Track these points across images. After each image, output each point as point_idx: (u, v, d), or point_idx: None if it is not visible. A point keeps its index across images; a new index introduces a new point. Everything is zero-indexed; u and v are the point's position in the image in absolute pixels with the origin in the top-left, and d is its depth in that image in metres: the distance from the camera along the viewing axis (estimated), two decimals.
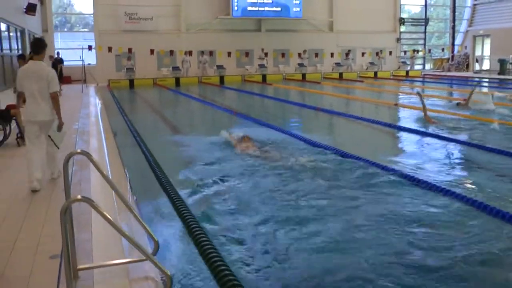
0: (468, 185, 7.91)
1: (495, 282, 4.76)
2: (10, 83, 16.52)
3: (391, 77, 35.91)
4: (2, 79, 17.22)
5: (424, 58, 43.54)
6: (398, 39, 41.56)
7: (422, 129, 12.63)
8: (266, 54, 35.30)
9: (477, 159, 9.64)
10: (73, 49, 30.41)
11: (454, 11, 42.81)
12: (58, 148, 7.53)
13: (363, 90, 25.61)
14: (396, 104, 17.35)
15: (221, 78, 32.84)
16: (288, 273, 4.83)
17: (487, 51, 39.23)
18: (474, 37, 40.57)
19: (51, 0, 32.86)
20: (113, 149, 10.23)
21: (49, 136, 7.36)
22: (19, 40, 22.09)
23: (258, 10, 35.63)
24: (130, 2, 32.97)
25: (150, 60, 32.71)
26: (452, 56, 41.71)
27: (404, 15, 42.20)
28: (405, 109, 16.93)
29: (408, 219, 6.15)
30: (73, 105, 17.50)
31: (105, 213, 3.46)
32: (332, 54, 37.20)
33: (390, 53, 39.50)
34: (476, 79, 30.84)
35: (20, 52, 20.39)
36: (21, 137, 10.51)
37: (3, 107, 11.27)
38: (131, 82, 30.92)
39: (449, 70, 39.48)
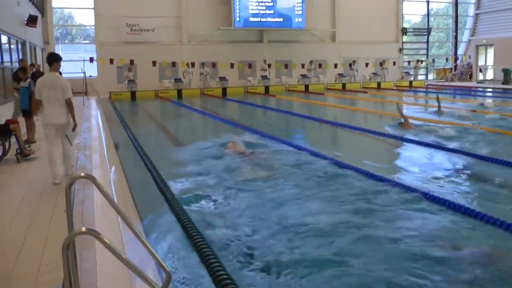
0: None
1: None
2: (10, 96, 16.18)
3: (395, 88, 35.53)
4: (2, 92, 16.92)
5: (427, 68, 43.24)
6: (401, 49, 41.28)
7: (426, 141, 12.35)
8: (269, 66, 34.96)
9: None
10: (74, 61, 30.10)
11: (456, 20, 42.63)
12: (72, 145, 9.00)
13: (368, 101, 25.19)
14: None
15: (224, 90, 32.49)
16: None
17: (490, 61, 38.92)
18: (477, 46, 40.31)
19: (52, 12, 32.67)
20: (116, 165, 9.89)
21: (67, 136, 8.64)
22: (20, 52, 21.83)
23: (260, 21, 35.34)
24: (132, 14, 32.67)
25: (152, 72, 32.34)
26: (455, 66, 41.40)
27: (404, 25, 41.91)
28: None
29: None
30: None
31: (113, 247, 3.09)
32: (336, 65, 36.76)
33: (394, 63, 39.12)
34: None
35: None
36: (20, 153, 10.17)
37: (3, 122, 10.90)
38: (133, 94, 30.57)
39: (452, 80, 39.12)
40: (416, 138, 12.66)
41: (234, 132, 14.40)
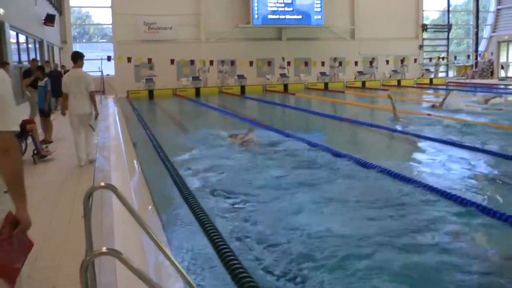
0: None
1: None
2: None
3: (415, 85, 34.84)
4: (20, 91, 16.66)
5: (447, 65, 42.47)
6: (421, 46, 40.58)
7: (444, 138, 12.11)
8: (288, 63, 34.50)
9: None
10: (92, 59, 29.88)
11: (477, 16, 41.79)
12: (94, 131, 10.36)
13: (388, 99, 24.46)
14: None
15: (242, 88, 32.11)
16: None
17: None
18: (499, 42, 39.51)
19: (69, 11, 32.52)
20: (135, 166, 9.51)
21: (90, 125, 9.82)
22: (38, 51, 21.62)
23: (279, 18, 34.92)
24: (149, 12, 32.44)
25: (170, 70, 32.01)
26: (476, 63, 40.61)
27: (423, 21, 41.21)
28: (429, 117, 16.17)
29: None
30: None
31: (135, 267, 2.68)
32: (356, 63, 36.12)
33: (415, 60, 38.43)
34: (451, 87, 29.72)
35: (39, 63, 19.85)
36: (37, 153, 9.84)
37: (19, 122, 10.57)
38: (151, 93, 30.26)
39: (473, 77, 38.33)
40: (442, 138, 12.18)
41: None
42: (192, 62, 32.35)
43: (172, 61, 31.63)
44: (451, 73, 42.84)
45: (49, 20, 22.99)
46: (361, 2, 37.68)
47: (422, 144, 11.98)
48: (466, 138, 12.06)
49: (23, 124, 10.16)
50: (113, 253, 2.67)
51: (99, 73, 27.86)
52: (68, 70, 26.14)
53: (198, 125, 16.05)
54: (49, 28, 23.21)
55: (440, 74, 40.56)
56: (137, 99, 28.26)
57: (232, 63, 33.47)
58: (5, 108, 2.83)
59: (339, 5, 37.03)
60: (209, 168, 9.53)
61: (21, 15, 17.68)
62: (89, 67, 28.80)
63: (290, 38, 36.17)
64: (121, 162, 9.69)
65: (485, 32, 42.24)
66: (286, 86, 33.15)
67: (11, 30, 15.98)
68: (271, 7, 34.67)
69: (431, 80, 37.17)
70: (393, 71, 37.65)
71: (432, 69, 39.36)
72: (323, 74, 35.14)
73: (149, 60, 30.95)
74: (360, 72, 36.38)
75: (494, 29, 40.83)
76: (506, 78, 36.62)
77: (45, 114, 12.41)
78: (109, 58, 30.64)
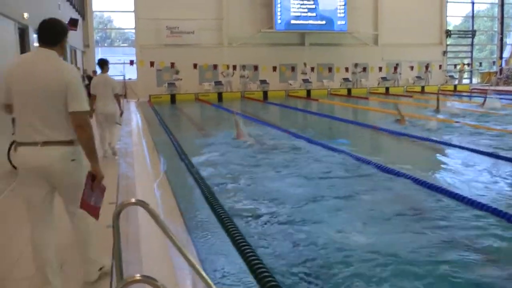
0: None
1: None
2: None
3: (439, 92, 34.11)
4: None
5: (471, 72, 41.74)
6: (445, 52, 39.93)
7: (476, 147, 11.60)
8: (312, 69, 34.07)
9: None
10: (114, 63, 29.75)
11: (502, 22, 41.07)
12: (120, 125, 12.53)
13: (411, 105, 23.91)
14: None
15: (265, 93, 31.69)
16: None
17: None
18: None
19: (92, 16, 32.51)
20: (159, 173, 9.17)
21: (117, 123, 11.58)
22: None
23: (302, 24, 34.58)
24: (172, 16, 32.30)
25: (192, 75, 31.76)
26: (501, 70, 39.83)
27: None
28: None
29: None
30: (117, 135, 16.38)
31: None
32: (380, 68, 35.57)
33: (440, 66, 37.81)
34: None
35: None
36: None
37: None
38: (173, 97, 30.02)
39: (497, 84, 37.55)
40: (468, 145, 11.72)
41: (280, 137, 13.72)
42: (214, 66, 32.08)
43: (195, 66, 31.39)
44: (474, 80, 42.13)
45: (72, 24, 22.86)
46: (384, 8, 37.22)
47: (451, 152, 11.53)
48: (499, 149, 11.50)
49: None
50: (149, 280, 2.32)
51: (121, 77, 27.76)
52: (95, 73, 26.28)
53: (220, 130, 15.68)
54: (72, 32, 23.06)
55: (464, 81, 39.80)
56: (159, 104, 27.99)
57: (255, 68, 33.14)
58: (79, 94, 3.95)
59: (362, 10, 36.60)
60: (234, 175, 9.20)
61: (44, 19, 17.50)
62: (112, 71, 28.59)
63: (313, 44, 35.81)
64: (144, 169, 9.40)
65: (510, 38, 41.50)
66: (309, 91, 32.64)
67: (35, 34, 15.82)
68: (294, 12, 34.35)
69: (455, 86, 36.36)
70: (416, 77, 37.07)
71: (455, 75, 38.71)
72: (346, 80, 34.62)
73: (172, 64, 30.73)
74: (383, 78, 35.82)
75: None
76: None
77: None
78: (131, 62, 30.57)
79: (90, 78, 22.67)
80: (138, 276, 2.34)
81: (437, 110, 18.57)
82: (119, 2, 33.94)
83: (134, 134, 14.88)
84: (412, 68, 36.61)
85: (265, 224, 6.48)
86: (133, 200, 3.22)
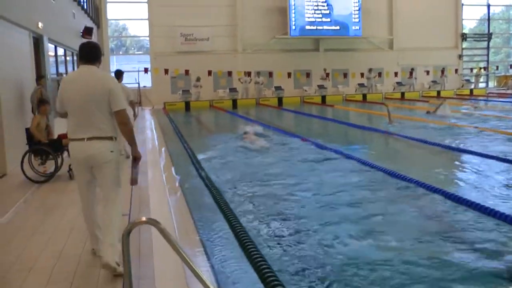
0: None
1: None
2: None
3: (455, 96, 33.68)
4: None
5: (487, 75, 41.25)
6: (460, 56, 39.51)
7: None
8: (327, 75, 33.82)
9: None
10: (128, 71, 29.77)
11: None
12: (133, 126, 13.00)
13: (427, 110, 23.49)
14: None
15: (279, 100, 31.49)
16: None
17: None
18: None
19: (107, 24, 32.59)
20: (174, 183, 9.04)
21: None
22: (76, 64, 21.53)
23: (317, 29, 34.35)
24: (186, 23, 32.29)
25: (207, 82, 31.65)
26: None
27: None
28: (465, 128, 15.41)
29: None
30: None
31: None
32: (396, 74, 35.22)
33: (456, 70, 37.38)
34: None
35: None
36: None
37: (55, 136, 10.24)
38: (187, 105, 29.96)
39: None
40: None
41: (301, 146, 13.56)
42: (229, 73, 31.99)
43: (209, 73, 31.33)
44: (491, 84, 41.65)
45: (87, 32, 22.94)
46: (399, 12, 36.91)
47: (474, 160, 11.24)
48: None
49: (59, 138, 9.85)
50: None
51: (136, 85, 27.78)
52: None
53: (235, 137, 15.54)
54: (87, 40, 23.12)
55: (480, 85, 39.31)
56: (174, 111, 27.93)
57: (270, 74, 33.01)
58: (119, 97, 5.07)
59: (377, 15, 36.31)
60: (251, 184, 9.03)
61: (59, 29, 17.57)
62: (126, 79, 28.63)
63: (328, 49, 35.58)
64: (158, 179, 9.27)
65: None
66: (324, 97, 32.34)
67: (50, 43, 15.85)
68: (308, 18, 34.15)
69: (471, 90, 35.86)
70: (432, 81, 36.70)
71: (472, 79, 38.29)
72: (361, 85, 34.31)
73: (186, 71, 30.71)
74: (398, 83, 35.48)
75: None
76: None
77: None
78: (146, 70, 30.57)
79: None
80: None
81: (390, 122, 18.05)
82: (134, 10, 34.09)
83: (148, 143, 14.77)
84: (427, 72, 36.30)
85: (284, 242, 6.30)
86: (144, 218, 3.10)
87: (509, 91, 34.96)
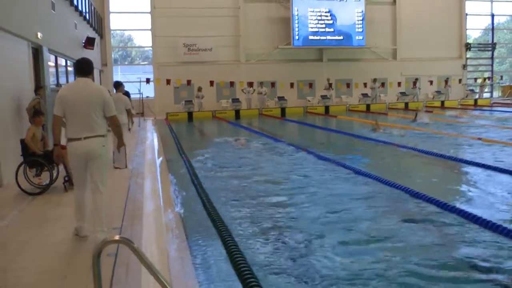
0: None
1: None
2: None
3: (459, 107, 33.46)
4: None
5: (492, 85, 41.04)
6: (464, 66, 39.29)
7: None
8: (330, 85, 33.59)
9: None
10: (132, 82, 29.75)
11: None
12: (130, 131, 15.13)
13: (431, 120, 23.27)
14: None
15: (282, 110, 31.43)
16: None
17: None
18: None
19: (110, 34, 32.57)
20: (170, 199, 8.87)
21: (129, 129, 14.30)
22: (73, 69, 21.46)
23: (320, 39, 34.26)
24: (189, 33, 32.27)
25: (209, 92, 31.63)
26: None
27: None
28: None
29: None
30: (128, 140, 16.04)
31: None
32: (399, 84, 35.16)
33: (460, 81, 37.23)
34: None
35: None
36: (68, 180, 9.31)
37: (51, 147, 10.11)
38: (190, 115, 29.93)
39: None
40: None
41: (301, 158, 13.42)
42: (231, 83, 31.93)
43: (211, 83, 31.31)
44: (495, 94, 41.46)
45: (89, 43, 22.89)
46: (403, 22, 36.78)
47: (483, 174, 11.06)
48: None
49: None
50: None
51: (139, 95, 27.70)
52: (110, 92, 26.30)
53: (238, 150, 15.42)
54: (89, 51, 23.07)
55: (485, 95, 39.08)
56: (176, 121, 27.88)
57: (272, 84, 32.94)
58: (111, 105, 6.46)
59: (380, 25, 36.23)
60: (252, 202, 8.82)
61: (60, 39, 17.49)
62: (130, 89, 28.32)
63: (331, 59, 35.48)
64: (154, 192, 9.12)
65: None
66: (327, 108, 32.31)
67: (50, 53, 15.77)
68: (311, 28, 34.09)
69: (475, 101, 35.82)
70: (436, 92, 36.57)
71: (476, 89, 38.09)
72: (364, 95, 34.26)
73: (188, 81, 30.68)
74: (402, 93, 35.41)
75: None
76: None
77: None
78: (147, 81, 30.56)
79: None
80: None
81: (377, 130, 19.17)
82: (137, 21, 34.11)
83: (148, 153, 14.63)
84: (431, 82, 36.11)
85: (276, 254, 6.16)
86: (116, 237, 2.95)
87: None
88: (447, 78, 36.62)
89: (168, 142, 18.47)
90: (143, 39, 37.26)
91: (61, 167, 9.57)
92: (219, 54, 33.29)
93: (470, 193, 9.19)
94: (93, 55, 24.88)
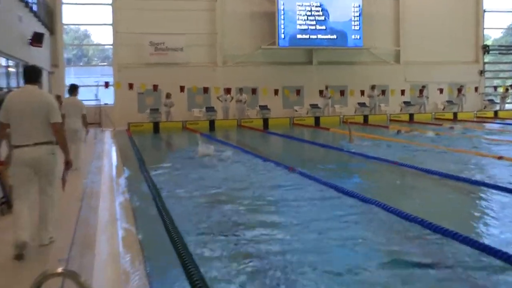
0: None
1: None
2: None
3: (475, 119, 33.53)
4: None
5: None
6: (482, 72, 39.44)
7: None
8: (320, 92, 33.72)
9: None
10: (88, 86, 29.66)
11: None
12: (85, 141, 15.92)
13: (443, 135, 23.33)
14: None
15: (265, 121, 31.59)
16: None
17: None
18: None
19: (62, 30, 32.38)
20: (129, 224, 8.82)
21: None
22: (21, 76, 21.31)
23: (310, 39, 34.54)
24: (157, 30, 32.32)
25: (179, 99, 31.61)
26: None
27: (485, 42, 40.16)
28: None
29: None
30: (83, 152, 15.88)
31: None
32: (403, 92, 35.29)
33: (476, 89, 37.43)
34: None
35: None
36: (5, 203, 9.16)
37: None
38: (156, 126, 29.93)
39: None
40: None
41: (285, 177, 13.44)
42: (205, 89, 31.98)
43: (182, 88, 31.33)
44: None
45: (36, 40, 22.79)
46: (407, 19, 37.08)
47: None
48: None
49: None
50: None
51: (95, 102, 27.61)
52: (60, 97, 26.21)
53: (209, 167, 15.42)
54: (37, 49, 22.99)
55: (507, 106, 38.60)
56: (140, 133, 27.86)
57: (253, 91, 33.02)
58: (56, 111, 7.24)
59: (381, 22, 36.58)
60: (222, 228, 8.82)
61: (1, 34, 17.40)
62: (86, 95, 28.40)
63: (323, 62, 35.72)
64: (110, 217, 9.07)
65: None
66: (318, 119, 32.46)
67: None
68: (300, 25, 34.34)
69: (495, 112, 35.87)
70: (447, 101, 36.70)
71: (496, 99, 38.16)
72: (362, 105, 34.36)
73: (155, 86, 30.68)
74: (406, 103, 35.51)
75: None
76: None
77: None
78: (106, 85, 30.46)
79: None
80: None
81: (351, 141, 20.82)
82: (95, 14, 34.07)
83: (104, 170, 14.61)
84: (441, 91, 36.29)
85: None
86: (59, 270, 2.94)
87: None
88: (461, 86, 36.63)
89: (129, 157, 18.44)
90: (102, 36, 37.36)
91: None
92: (191, 55, 33.36)
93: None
94: (41, 53, 24.80)
